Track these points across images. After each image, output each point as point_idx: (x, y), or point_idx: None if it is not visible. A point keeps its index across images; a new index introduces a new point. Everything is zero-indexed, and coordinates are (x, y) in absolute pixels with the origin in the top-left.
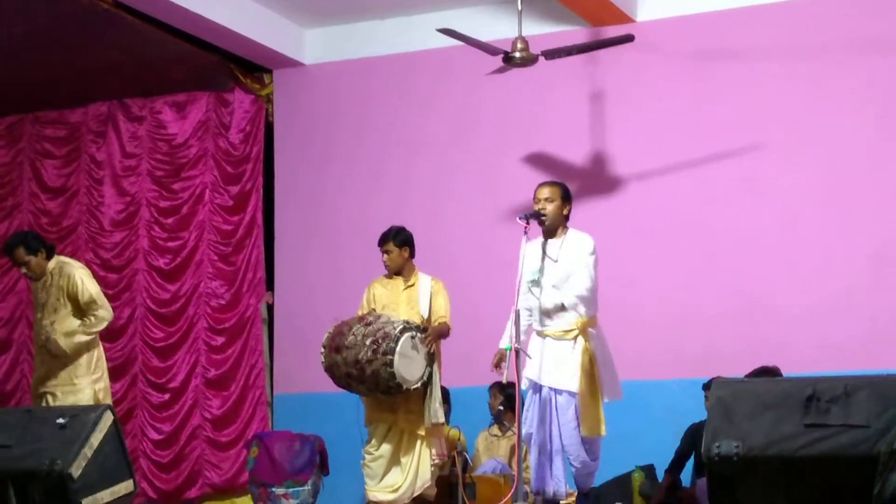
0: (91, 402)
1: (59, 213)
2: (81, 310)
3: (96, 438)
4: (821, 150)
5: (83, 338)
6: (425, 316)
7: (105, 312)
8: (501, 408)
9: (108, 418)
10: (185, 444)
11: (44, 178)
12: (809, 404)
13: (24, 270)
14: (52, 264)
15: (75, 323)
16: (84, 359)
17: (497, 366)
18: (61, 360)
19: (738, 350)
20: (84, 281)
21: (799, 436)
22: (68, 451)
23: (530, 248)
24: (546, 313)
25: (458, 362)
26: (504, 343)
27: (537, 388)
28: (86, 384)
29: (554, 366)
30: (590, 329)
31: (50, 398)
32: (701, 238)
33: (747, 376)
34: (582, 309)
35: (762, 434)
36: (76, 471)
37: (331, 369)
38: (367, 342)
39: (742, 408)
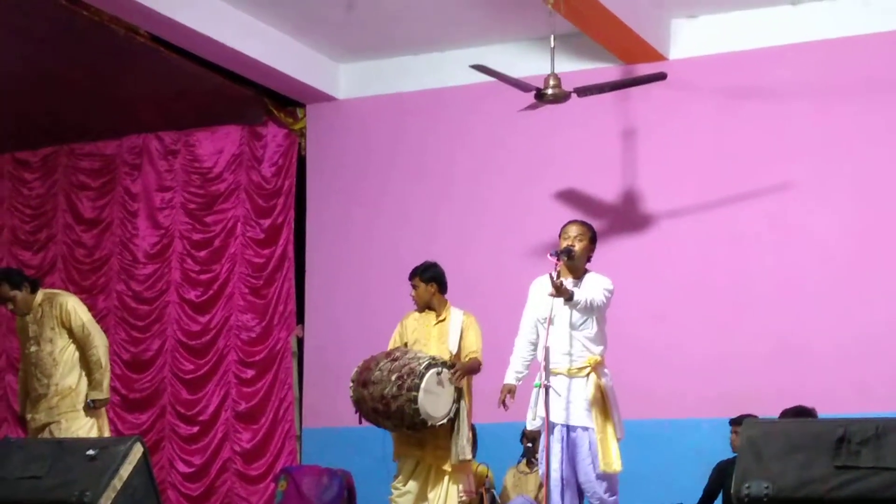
0: (94, 428)
1: (93, 245)
2: (76, 338)
3: (126, 470)
4: (853, 188)
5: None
6: (454, 351)
7: (99, 339)
8: (530, 444)
9: (137, 450)
10: (215, 477)
11: (78, 209)
12: (840, 446)
13: (10, 307)
14: (39, 297)
15: (76, 354)
16: (84, 385)
17: (503, 402)
18: (60, 390)
19: (769, 390)
20: (76, 309)
21: (829, 478)
22: (98, 483)
23: (540, 285)
24: (563, 352)
25: (486, 398)
26: (510, 378)
27: (554, 427)
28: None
29: (568, 403)
30: (600, 367)
31: (54, 428)
32: (732, 276)
33: (781, 414)
34: (583, 307)
35: (792, 475)
36: (105, 503)
37: (358, 403)
38: (393, 377)
39: (772, 449)
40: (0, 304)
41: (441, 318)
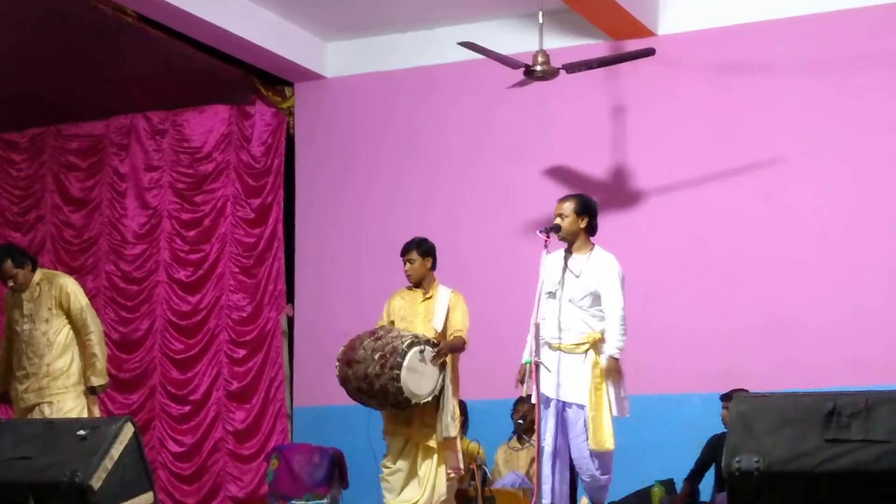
0: (85, 409)
1: (82, 226)
2: (73, 321)
3: (117, 450)
4: (844, 164)
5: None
6: (439, 329)
7: (94, 325)
8: (521, 420)
9: (128, 430)
10: (207, 456)
11: (67, 190)
12: (830, 419)
13: (10, 283)
14: (37, 276)
15: (69, 336)
16: (76, 366)
17: (522, 381)
18: (52, 371)
19: (762, 364)
20: (77, 292)
21: (819, 451)
22: (89, 463)
23: (551, 260)
24: (559, 327)
25: (476, 375)
26: (526, 356)
27: (550, 401)
28: (80, 391)
29: (564, 379)
30: (602, 344)
31: (46, 408)
32: (722, 252)
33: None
34: (621, 329)
35: (783, 449)
36: (96, 483)
37: (344, 383)
38: (376, 356)
39: (762, 423)
40: (1, 281)
41: (428, 295)
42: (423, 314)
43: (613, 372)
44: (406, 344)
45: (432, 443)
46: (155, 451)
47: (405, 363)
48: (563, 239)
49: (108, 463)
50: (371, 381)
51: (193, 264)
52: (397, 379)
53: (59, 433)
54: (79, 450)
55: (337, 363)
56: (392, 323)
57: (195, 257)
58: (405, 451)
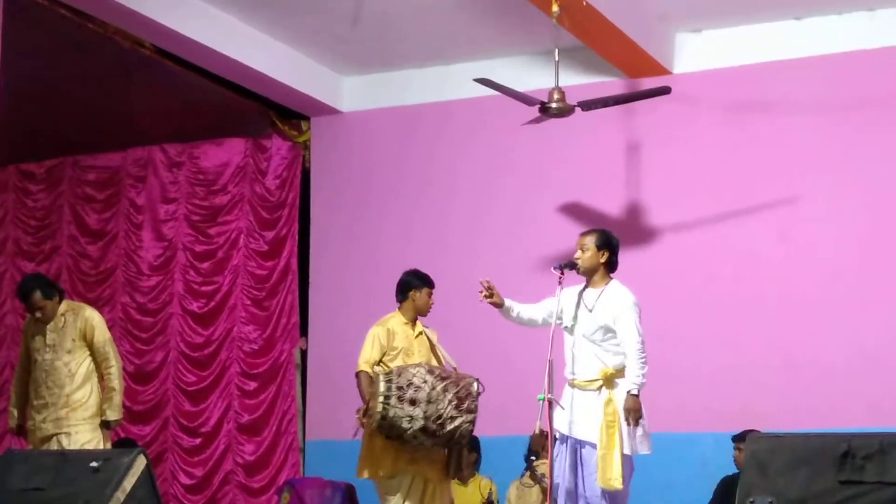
0: (101, 443)
1: (98, 257)
2: (95, 354)
3: (129, 482)
4: (859, 203)
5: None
6: (450, 365)
7: (115, 360)
8: (534, 458)
9: (140, 462)
10: (217, 489)
11: (84, 221)
12: (844, 461)
13: (38, 315)
14: (63, 307)
15: (90, 367)
16: (94, 399)
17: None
18: (71, 402)
19: (775, 404)
20: (101, 325)
21: (833, 492)
22: (101, 495)
23: (567, 294)
24: (574, 362)
25: (490, 412)
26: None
27: (565, 438)
28: (97, 423)
29: (579, 417)
30: (617, 380)
31: (64, 439)
32: (737, 291)
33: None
34: (639, 363)
35: (796, 490)
36: None
37: (393, 420)
38: (449, 397)
39: (776, 463)
40: (29, 311)
41: (419, 331)
42: (418, 350)
43: (633, 410)
44: (476, 387)
45: (441, 476)
46: (167, 483)
47: (477, 406)
48: (582, 273)
49: (121, 495)
50: (444, 422)
51: (206, 296)
52: (473, 423)
53: (72, 465)
54: (92, 481)
55: (382, 398)
56: (384, 354)
57: (208, 289)
58: (413, 489)
